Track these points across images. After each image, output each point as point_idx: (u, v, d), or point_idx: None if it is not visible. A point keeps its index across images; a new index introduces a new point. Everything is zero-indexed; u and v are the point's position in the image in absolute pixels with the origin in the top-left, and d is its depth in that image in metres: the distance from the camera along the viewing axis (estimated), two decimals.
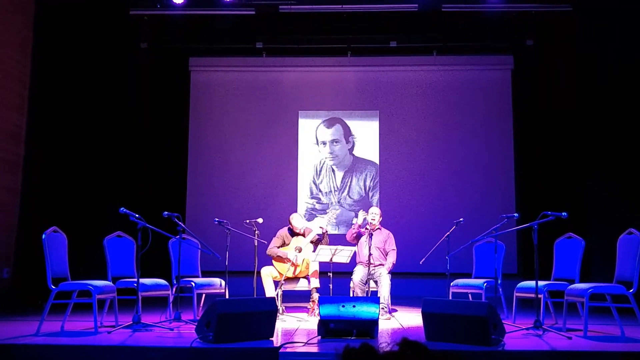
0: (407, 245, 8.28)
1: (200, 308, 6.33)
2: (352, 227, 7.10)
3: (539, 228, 5.20)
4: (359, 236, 6.96)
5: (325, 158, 10.22)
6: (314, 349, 4.45)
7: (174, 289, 6.01)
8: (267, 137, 10.23)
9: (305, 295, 6.96)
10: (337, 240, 8.60)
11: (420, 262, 6.42)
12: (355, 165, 10.16)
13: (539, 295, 5.31)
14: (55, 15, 7.84)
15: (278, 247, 6.90)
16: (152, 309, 6.52)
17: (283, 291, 6.61)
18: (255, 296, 6.37)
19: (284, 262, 6.73)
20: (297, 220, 7.02)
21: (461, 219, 6.23)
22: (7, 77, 7.11)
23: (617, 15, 7.82)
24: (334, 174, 10.15)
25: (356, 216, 7.15)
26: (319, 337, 4.82)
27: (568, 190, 8.80)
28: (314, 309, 6.42)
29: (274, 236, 7.04)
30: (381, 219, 6.98)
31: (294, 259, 6.68)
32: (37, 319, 5.21)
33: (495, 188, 9.88)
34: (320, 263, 6.69)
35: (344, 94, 10.31)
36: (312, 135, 10.27)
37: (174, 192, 9.95)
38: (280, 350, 4.30)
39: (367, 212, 6.97)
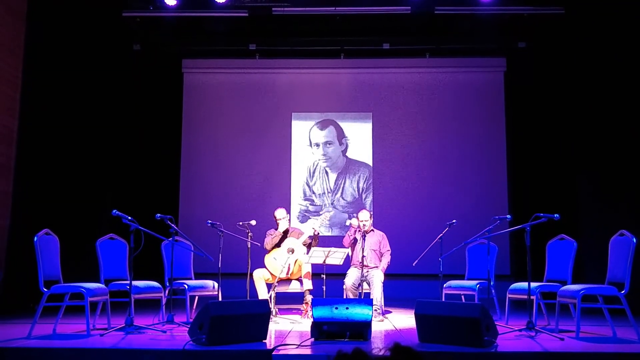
0: (400, 247, 8.29)
1: (193, 310, 6.31)
2: (349, 232, 7.09)
3: (531, 230, 5.23)
4: (355, 241, 6.95)
5: (319, 160, 10.22)
6: (307, 351, 4.45)
7: (166, 291, 5.99)
8: (260, 139, 10.22)
9: (298, 297, 6.96)
10: (330, 241, 8.62)
11: (413, 264, 6.45)
12: (348, 167, 10.17)
13: (532, 297, 5.33)
14: (47, 17, 7.80)
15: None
16: (145, 311, 6.51)
17: (276, 293, 6.60)
18: (248, 298, 6.36)
19: (277, 262, 6.74)
20: (279, 212, 7.04)
21: (454, 221, 6.25)
22: None
23: (609, 18, 7.87)
24: (328, 175, 10.15)
25: (350, 218, 7.15)
26: (312, 339, 4.82)
27: (560, 192, 8.85)
28: (307, 311, 6.42)
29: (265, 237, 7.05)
30: (372, 220, 6.99)
31: (286, 260, 6.69)
32: (29, 322, 5.19)
33: (488, 190, 9.91)
34: (313, 265, 6.70)
35: (338, 96, 10.33)
36: (306, 137, 10.27)
37: (166, 194, 9.93)
38: (274, 353, 4.30)
39: (357, 216, 6.98)
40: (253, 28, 9.42)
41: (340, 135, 10.26)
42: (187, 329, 4.81)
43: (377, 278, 6.61)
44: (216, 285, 6.41)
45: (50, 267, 5.29)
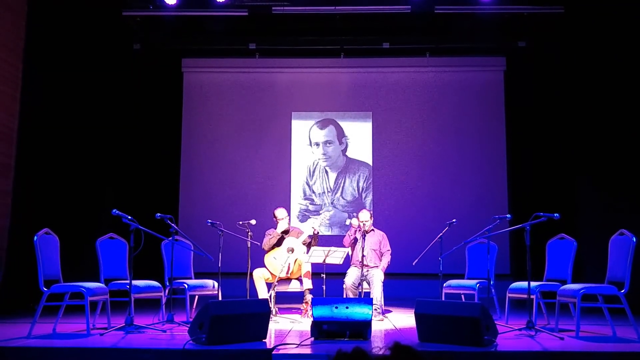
0: (400, 246, 8.29)
1: (193, 310, 6.32)
2: (349, 231, 7.09)
3: (531, 229, 5.23)
4: (356, 241, 6.95)
5: (319, 159, 10.22)
6: (307, 350, 4.45)
7: (166, 291, 5.99)
8: (260, 138, 10.22)
9: (298, 297, 6.96)
10: (330, 241, 8.61)
11: (413, 264, 6.44)
12: (348, 166, 10.17)
13: (532, 296, 5.33)
14: (48, 16, 7.80)
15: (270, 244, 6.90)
16: (145, 310, 6.51)
17: (276, 292, 6.61)
18: (248, 298, 6.37)
19: (277, 261, 6.74)
20: (279, 211, 7.04)
21: (454, 220, 6.25)
22: None
23: (609, 17, 7.86)
24: (327, 175, 10.15)
25: (350, 217, 7.15)
26: (312, 338, 4.82)
27: (560, 191, 8.85)
28: (307, 310, 6.42)
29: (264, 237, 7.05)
30: (372, 220, 6.98)
31: (286, 259, 6.69)
32: (29, 322, 5.19)
33: (488, 189, 9.91)
34: (313, 264, 6.70)
35: (337, 95, 10.33)
36: (306, 136, 10.27)
37: (166, 194, 9.93)
38: (273, 352, 4.30)
39: (357, 216, 6.98)
40: (253, 27, 9.41)
41: (340, 134, 10.26)
42: (187, 328, 4.81)
43: (377, 277, 6.61)
44: (216, 284, 6.41)
45: (50, 267, 5.29)
